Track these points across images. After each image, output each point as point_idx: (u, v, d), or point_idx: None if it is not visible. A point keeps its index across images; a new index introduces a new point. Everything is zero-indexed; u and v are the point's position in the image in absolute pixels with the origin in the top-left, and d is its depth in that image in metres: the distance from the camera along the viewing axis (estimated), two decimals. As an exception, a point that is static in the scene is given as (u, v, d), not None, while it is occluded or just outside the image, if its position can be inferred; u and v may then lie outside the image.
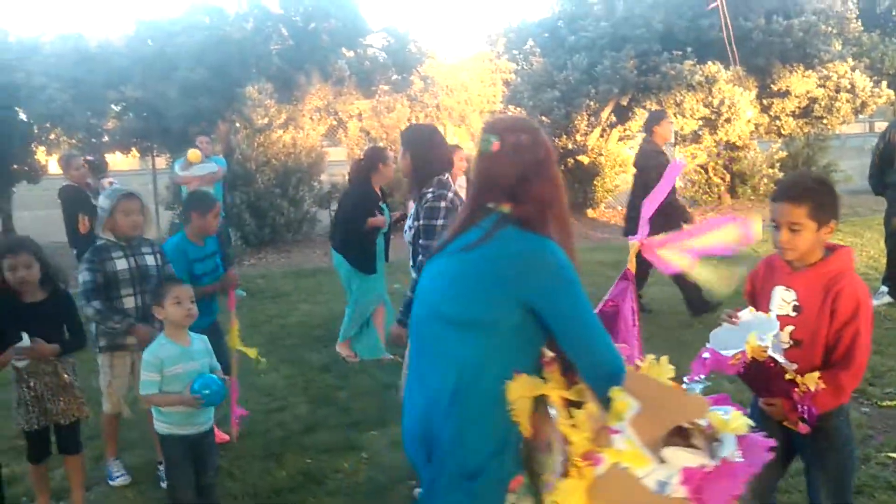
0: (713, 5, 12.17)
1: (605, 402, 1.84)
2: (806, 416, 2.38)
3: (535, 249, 1.87)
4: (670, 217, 5.43)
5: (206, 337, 3.34)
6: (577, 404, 1.94)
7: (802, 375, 2.38)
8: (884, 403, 4.43)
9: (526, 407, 1.93)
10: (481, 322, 1.86)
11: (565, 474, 1.89)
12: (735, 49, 11.86)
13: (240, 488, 3.77)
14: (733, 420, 1.97)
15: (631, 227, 6.30)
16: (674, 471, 1.85)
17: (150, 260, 3.82)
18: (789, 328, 2.46)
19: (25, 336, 3.26)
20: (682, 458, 1.87)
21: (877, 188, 6.62)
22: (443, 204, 3.39)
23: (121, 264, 3.70)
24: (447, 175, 3.52)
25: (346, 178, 6.95)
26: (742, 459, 1.91)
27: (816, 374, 2.37)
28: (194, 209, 4.23)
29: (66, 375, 3.43)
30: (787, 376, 2.40)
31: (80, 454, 3.61)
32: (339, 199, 7.45)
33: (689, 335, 6.02)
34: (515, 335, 1.88)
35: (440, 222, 3.37)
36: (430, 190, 3.43)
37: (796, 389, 2.39)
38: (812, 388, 2.36)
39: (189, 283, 3.91)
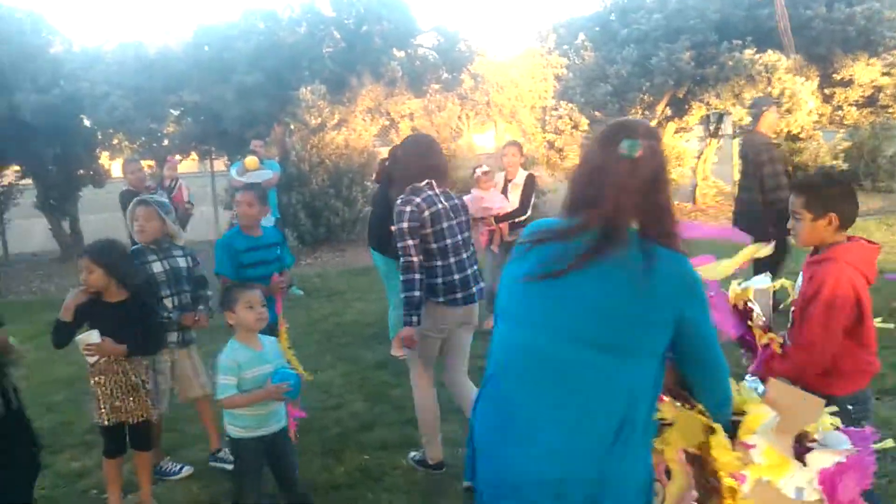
0: None
1: (724, 424, 1.88)
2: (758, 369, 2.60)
3: (687, 268, 1.78)
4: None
5: (275, 339, 3.41)
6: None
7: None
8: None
9: (675, 435, 1.95)
10: (641, 347, 1.73)
11: (706, 498, 1.93)
12: (791, 37, 11.49)
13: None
14: (825, 417, 2.02)
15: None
16: (812, 474, 1.86)
17: (181, 262, 4.05)
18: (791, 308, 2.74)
19: (95, 332, 3.41)
20: (820, 459, 1.88)
21: None
22: (408, 209, 3.63)
23: (156, 267, 3.95)
24: (427, 182, 3.74)
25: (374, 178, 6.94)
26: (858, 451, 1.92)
27: (774, 335, 2.63)
28: (235, 199, 4.47)
29: (134, 376, 3.53)
30: (752, 325, 2.66)
31: (150, 452, 3.74)
32: (371, 200, 7.54)
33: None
34: (662, 359, 1.78)
35: (405, 225, 3.60)
36: (401, 196, 3.71)
37: (756, 342, 2.66)
38: (766, 345, 2.63)
39: (237, 274, 4.14)
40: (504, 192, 6.22)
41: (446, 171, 3.92)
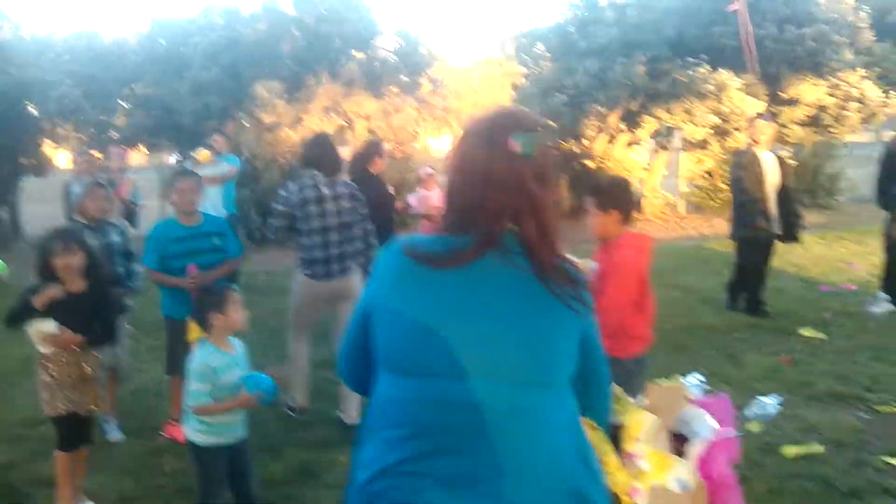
0: (735, 6, 12.09)
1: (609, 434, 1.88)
2: None
3: (583, 278, 1.58)
4: None
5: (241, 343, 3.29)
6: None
7: None
8: (881, 409, 4.42)
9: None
10: (564, 374, 1.52)
11: None
12: (755, 51, 11.77)
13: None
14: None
15: (884, 201, 6.56)
16: (691, 463, 1.93)
17: (114, 238, 4.35)
18: None
19: (52, 322, 3.31)
20: (696, 447, 1.96)
21: (880, 201, 6.58)
22: (282, 192, 4.45)
23: (92, 243, 4.02)
24: (316, 173, 4.39)
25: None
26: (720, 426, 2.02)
27: None
28: (169, 185, 4.45)
29: (87, 368, 3.44)
30: None
31: (89, 447, 3.64)
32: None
33: (688, 338, 6.03)
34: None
35: (274, 205, 4.43)
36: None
37: None
38: None
39: (162, 265, 4.14)
40: None
41: (335, 165, 4.52)
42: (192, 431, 3.06)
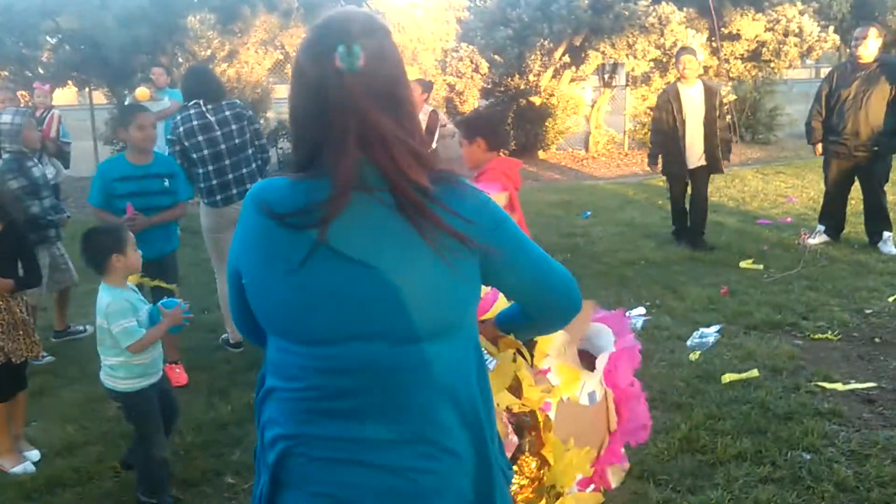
0: None
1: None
2: None
3: (478, 196, 1.37)
4: None
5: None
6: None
7: None
8: (815, 336, 4.60)
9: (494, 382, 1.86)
10: (456, 319, 1.34)
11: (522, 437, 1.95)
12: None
13: (184, 423, 3.72)
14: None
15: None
16: (599, 375, 1.97)
17: (48, 170, 4.56)
18: None
19: None
20: (602, 359, 2.02)
21: (812, 135, 6.73)
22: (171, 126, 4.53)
23: (37, 171, 4.26)
24: (195, 103, 4.46)
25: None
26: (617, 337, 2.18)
27: None
28: (118, 123, 4.29)
29: (19, 312, 3.31)
30: None
31: (25, 391, 3.53)
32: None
33: (631, 272, 6.14)
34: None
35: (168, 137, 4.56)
36: None
37: None
38: None
39: (108, 203, 4.05)
40: None
41: (217, 92, 4.58)
42: (120, 381, 2.96)
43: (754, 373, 4.05)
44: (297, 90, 1.33)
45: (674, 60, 7.20)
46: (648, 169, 7.65)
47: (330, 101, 1.26)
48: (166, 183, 4.16)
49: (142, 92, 7.71)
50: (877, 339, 4.54)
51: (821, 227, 6.77)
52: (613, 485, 2.37)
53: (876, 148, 6.30)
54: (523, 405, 1.93)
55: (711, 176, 6.79)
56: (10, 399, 3.40)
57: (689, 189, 6.83)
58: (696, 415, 3.60)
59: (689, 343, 4.56)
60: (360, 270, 1.26)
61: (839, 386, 3.90)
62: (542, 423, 1.95)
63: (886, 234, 6.42)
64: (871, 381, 3.97)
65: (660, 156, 6.89)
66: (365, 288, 1.26)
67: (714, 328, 4.73)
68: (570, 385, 2.02)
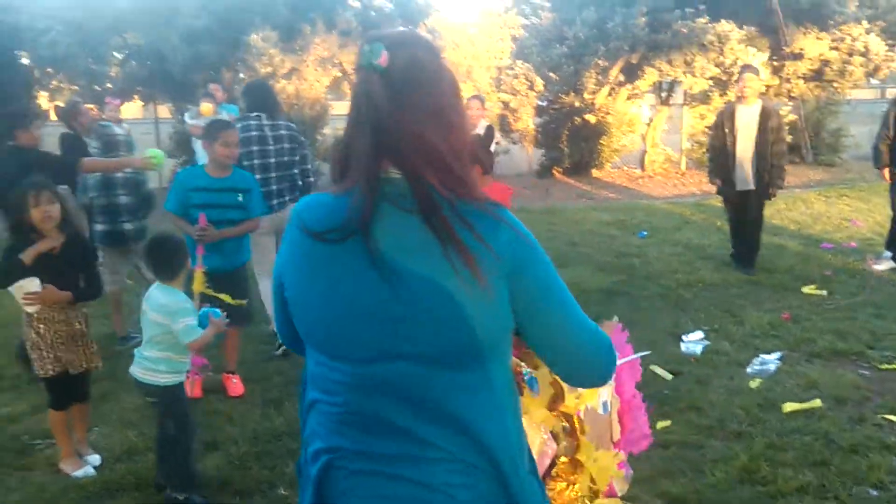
0: None
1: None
2: None
3: (513, 222, 1.31)
4: None
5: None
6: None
7: None
8: (882, 366, 4.43)
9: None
10: (484, 346, 1.30)
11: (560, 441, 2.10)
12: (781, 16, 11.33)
13: (239, 433, 3.80)
14: None
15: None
16: (611, 386, 2.17)
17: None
18: None
19: (36, 281, 3.22)
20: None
21: (879, 160, 6.51)
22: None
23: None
24: (256, 115, 4.84)
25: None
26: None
27: None
28: (203, 137, 4.41)
29: (77, 324, 3.39)
30: None
31: (88, 402, 3.61)
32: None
33: (689, 294, 6.02)
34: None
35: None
36: None
37: None
38: None
39: (185, 212, 4.15)
40: None
41: (276, 107, 5.02)
42: (161, 375, 3.11)
43: (817, 402, 3.92)
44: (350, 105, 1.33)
45: (734, 78, 7.07)
46: (706, 188, 7.50)
47: (355, 101, 1.27)
48: (240, 198, 4.24)
49: (206, 107, 7.91)
50: (949, 372, 4.35)
51: (888, 254, 6.54)
52: (619, 493, 2.41)
53: None
54: (561, 413, 2.08)
55: (768, 200, 6.54)
56: (66, 408, 3.48)
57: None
58: (756, 444, 3.49)
59: (749, 370, 4.44)
60: (396, 285, 1.24)
61: (908, 419, 3.75)
62: (578, 428, 2.09)
63: None
64: (942, 415, 3.80)
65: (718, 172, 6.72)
66: (400, 305, 1.25)
67: (775, 355, 4.60)
68: (593, 393, 2.14)
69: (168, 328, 3.06)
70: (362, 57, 1.25)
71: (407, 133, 1.24)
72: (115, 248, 5.27)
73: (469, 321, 1.24)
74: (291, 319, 1.42)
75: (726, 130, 6.40)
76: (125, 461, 3.59)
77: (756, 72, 6.68)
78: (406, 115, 1.24)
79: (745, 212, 6.56)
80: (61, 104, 6.78)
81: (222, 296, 3.88)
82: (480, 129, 6.71)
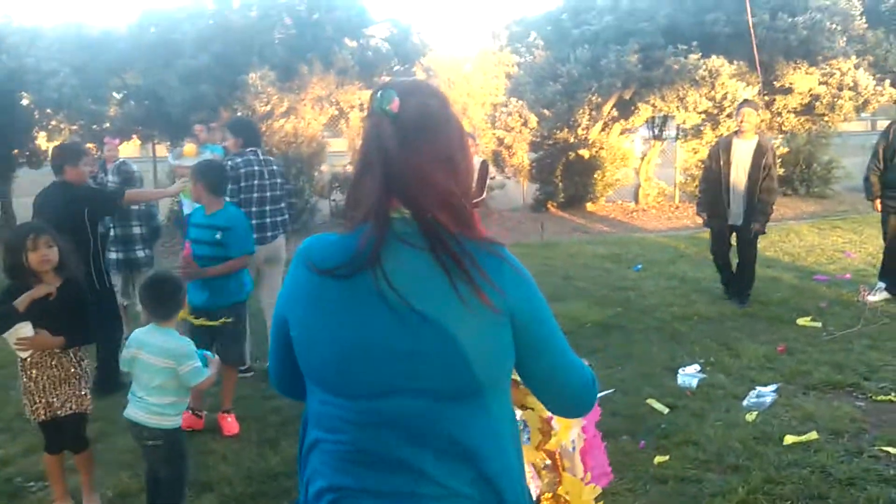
0: None
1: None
2: None
3: (515, 262, 1.39)
4: None
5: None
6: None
7: None
8: (878, 398, 4.44)
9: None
10: (487, 380, 1.35)
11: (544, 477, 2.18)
12: (756, 52, 11.51)
13: (234, 472, 3.78)
14: None
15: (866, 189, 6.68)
16: (580, 425, 2.23)
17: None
18: None
19: (29, 326, 3.17)
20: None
21: (871, 191, 6.57)
22: (230, 163, 5.12)
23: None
24: (252, 150, 5.26)
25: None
26: None
27: None
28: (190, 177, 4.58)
29: (72, 368, 3.33)
30: None
31: (87, 450, 3.49)
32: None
33: (684, 327, 6.03)
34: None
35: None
36: None
37: None
38: None
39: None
40: None
41: (261, 142, 5.57)
42: (169, 419, 3.12)
43: (813, 435, 3.91)
44: (359, 150, 1.40)
45: (726, 113, 7.13)
46: (700, 221, 7.47)
47: (366, 143, 1.34)
48: (218, 235, 4.28)
49: (189, 148, 8.00)
50: (945, 403, 4.35)
51: (881, 284, 6.58)
52: None
53: None
54: (544, 450, 2.15)
55: (753, 237, 6.51)
56: (59, 452, 3.41)
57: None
58: (753, 478, 3.48)
59: (745, 402, 4.43)
60: (405, 321, 1.28)
61: (905, 451, 3.74)
62: (560, 464, 2.15)
63: None
64: (939, 446, 3.80)
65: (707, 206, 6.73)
66: (409, 341, 1.29)
67: (771, 387, 4.60)
68: (567, 431, 2.20)
69: (174, 372, 3.06)
70: (375, 102, 1.32)
71: (416, 175, 1.30)
72: (129, 274, 5.81)
73: (472, 360, 1.29)
74: (288, 360, 1.44)
75: (721, 163, 6.44)
76: (118, 503, 3.56)
77: (755, 107, 6.73)
78: (415, 157, 1.30)
79: (727, 245, 6.62)
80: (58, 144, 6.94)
81: (200, 320, 4.12)
82: (475, 165, 6.96)
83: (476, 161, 6.93)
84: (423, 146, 1.32)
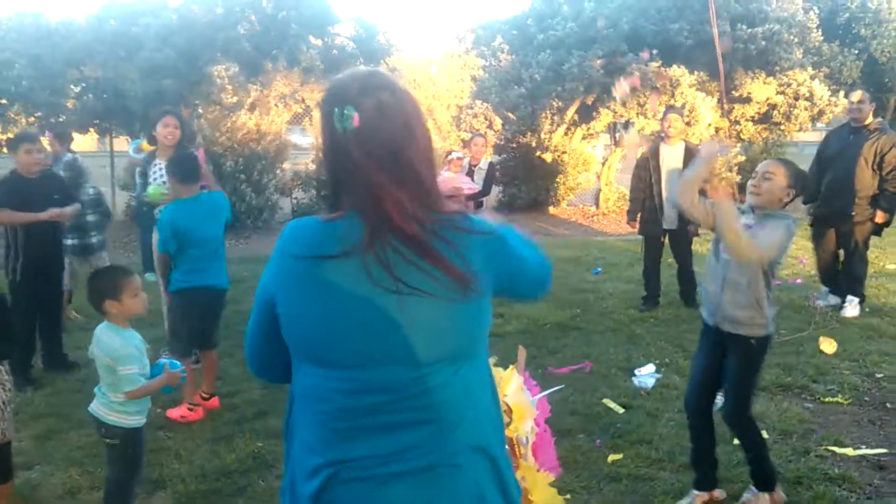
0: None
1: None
2: None
3: (481, 225, 1.50)
4: None
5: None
6: None
7: None
8: (826, 399, 4.55)
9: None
10: (465, 343, 1.48)
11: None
12: (721, 63, 11.74)
13: (187, 470, 3.73)
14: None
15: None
16: (534, 417, 2.26)
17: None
18: None
19: None
20: (534, 404, 2.36)
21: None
22: None
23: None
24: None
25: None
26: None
27: None
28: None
29: None
30: None
31: (9, 483, 3.23)
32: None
33: (641, 329, 6.12)
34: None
35: None
36: None
37: None
38: None
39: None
40: (469, 175, 7.07)
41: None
42: (129, 417, 2.99)
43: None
44: (323, 143, 1.49)
45: (685, 120, 7.24)
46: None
47: (336, 156, 1.43)
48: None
49: (146, 144, 8.00)
50: (888, 405, 4.49)
51: (824, 289, 6.76)
52: None
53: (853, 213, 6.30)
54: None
55: (691, 238, 6.67)
56: None
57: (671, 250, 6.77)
58: (704, 476, 3.54)
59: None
60: (386, 301, 1.38)
61: (850, 451, 3.84)
62: (517, 452, 2.16)
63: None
64: (882, 446, 3.91)
65: (638, 214, 6.80)
66: (389, 316, 1.39)
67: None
68: (521, 422, 2.21)
69: (116, 371, 2.93)
70: (336, 122, 1.39)
71: (375, 180, 1.39)
72: (83, 258, 6.11)
73: (455, 328, 1.42)
74: (270, 341, 1.51)
75: (651, 169, 6.54)
76: (68, 501, 3.49)
77: (680, 113, 6.94)
78: (375, 162, 1.39)
79: (675, 251, 6.73)
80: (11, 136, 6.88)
81: None
82: (484, 165, 7.27)
83: (484, 162, 7.29)
84: (387, 152, 1.40)
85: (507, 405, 2.17)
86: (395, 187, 1.39)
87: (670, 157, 6.50)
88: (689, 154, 6.40)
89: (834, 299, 6.64)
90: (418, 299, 1.38)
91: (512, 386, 2.25)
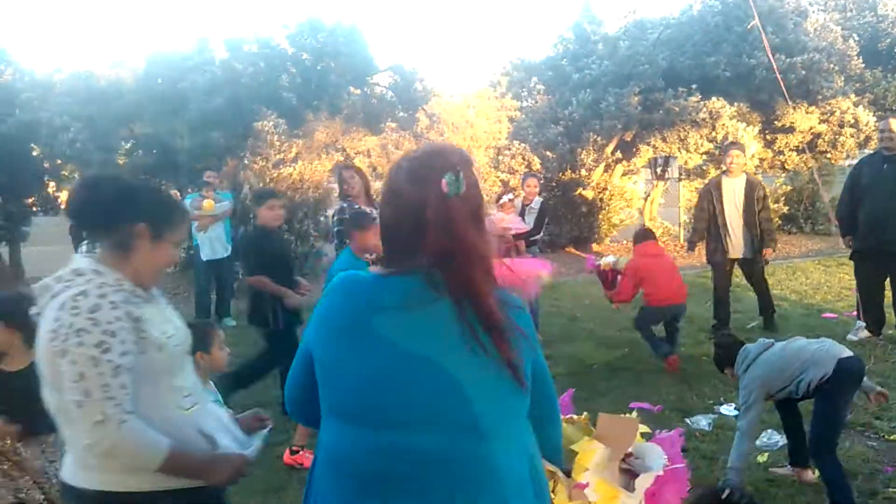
0: (752, 24, 11.96)
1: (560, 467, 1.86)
2: None
3: (518, 318, 1.55)
4: None
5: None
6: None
7: None
8: (891, 437, 4.39)
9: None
10: (510, 418, 1.52)
11: None
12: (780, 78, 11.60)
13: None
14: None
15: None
16: (639, 497, 1.92)
17: None
18: None
19: None
20: (645, 481, 1.93)
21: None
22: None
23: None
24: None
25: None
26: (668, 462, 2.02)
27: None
28: (355, 227, 4.46)
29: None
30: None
31: None
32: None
33: (693, 368, 5.99)
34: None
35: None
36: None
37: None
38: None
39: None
40: (521, 214, 7.30)
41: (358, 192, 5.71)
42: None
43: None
44: (392, 209, 1.53)
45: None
46: (704, 260, 7.76)
47: (429, 220, 1.44)
48: None
49: (209, 203, 8.33)
50: (958, 441, 4.30)
51: (861, 323, 6.54)
52: None
53: None
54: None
55: (768, 266, 7.04)
56: None
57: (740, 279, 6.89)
58: (766, 521, 3.43)
59: (757, 444, 4.38)
60: (430, 364, 1.41)
61: (921, 492, 3.69)
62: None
63: None
64: (955, 486, 3.74)
65: (699, 244, 7.26)
66: (432, 381, 1.41)
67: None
68: (608, 503, 1.91)
69: None
70: (449, 185, 1.45)
71: (473, 247, 1.47)
72: None
73: (485, 399, 1.43)
74: (310, 387, 1.53)
75: (713, 199, 6.83)
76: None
77: (742, 149, 7.25)
78: (472, 226, 1.49)
79: (749, 278, 7.07)
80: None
81: None
82: (536, 204, 7.43)
83: (537, 202, 7.43)
84: (477, 216, 1.51)
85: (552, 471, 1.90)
86: (487, 251, 1.50)
87: (732, 188, 6.83)
88: (751, 186, 6.82)
89: (865, 333, 6.41)
90: (449, 368, 1.41)
91: (596, 457, 1.96)
